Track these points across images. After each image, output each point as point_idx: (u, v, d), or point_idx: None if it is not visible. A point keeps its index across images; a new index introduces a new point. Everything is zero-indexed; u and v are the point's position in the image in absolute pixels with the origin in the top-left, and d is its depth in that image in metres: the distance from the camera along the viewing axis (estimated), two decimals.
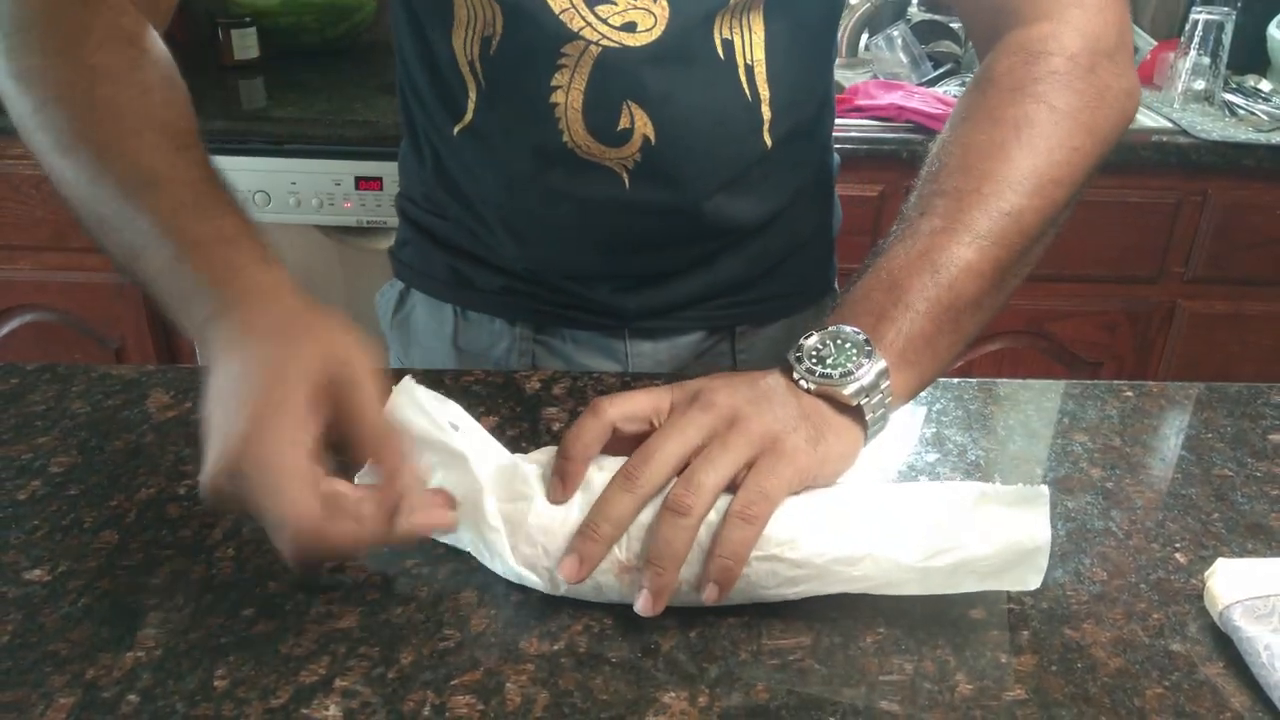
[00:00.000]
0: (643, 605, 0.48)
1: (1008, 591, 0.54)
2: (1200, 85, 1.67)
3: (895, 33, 1.80)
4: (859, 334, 0.53)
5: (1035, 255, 0.60)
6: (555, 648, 0.49)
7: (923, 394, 0.73)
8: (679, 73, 0.69)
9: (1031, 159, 0.58)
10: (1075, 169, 0.60)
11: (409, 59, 0.77)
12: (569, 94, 0.69)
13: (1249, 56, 1.79)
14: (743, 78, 0.71)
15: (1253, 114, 1.64)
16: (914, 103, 1.56)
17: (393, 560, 0.54)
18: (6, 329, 1.70)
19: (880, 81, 1.68)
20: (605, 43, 0.67)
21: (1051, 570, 0.55)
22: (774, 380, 0.54)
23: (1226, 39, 1.64)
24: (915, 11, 1.99)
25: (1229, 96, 1.68)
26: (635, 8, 0.66)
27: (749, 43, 0.70)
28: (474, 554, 0.53)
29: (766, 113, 0.73)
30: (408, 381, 0.53)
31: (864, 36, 1.95)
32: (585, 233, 0.77)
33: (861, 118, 1.58)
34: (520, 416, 0.68)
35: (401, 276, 0.89)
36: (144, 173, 0.54)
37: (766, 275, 0.83)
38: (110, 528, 0.57)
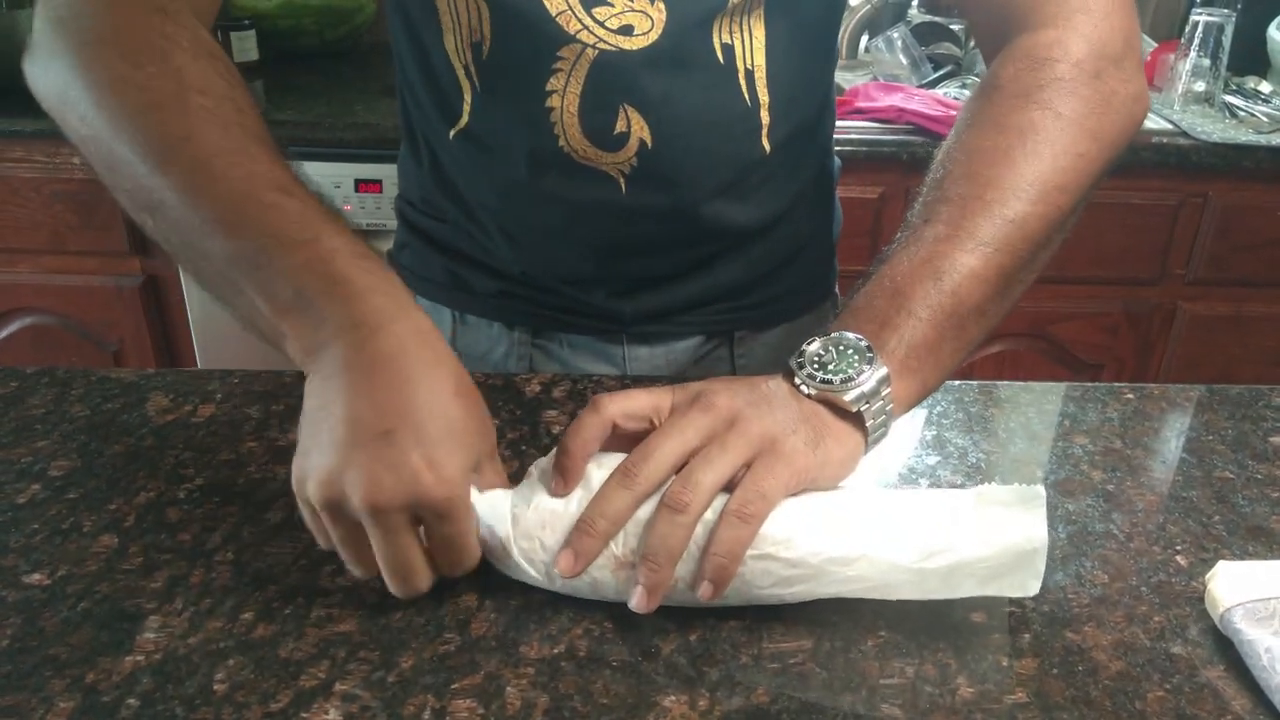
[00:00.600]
0: (637, 602, 0.48)
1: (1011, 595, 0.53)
2: (1200, 87, 1.67)
3: (895, 35, 1.80)
4: (861, 340, 0.53)
5: (1041, 261, 0.60)
6: (555, 651, 0.49)
7: None
8: (677, 76, 0.69)
9: (1036, 165, 0.58)
10: (1081, 175, 0.60)
11: (406, 62, 0.77)
12: (565, 98, 0.69)
13: (1249, 58, 1.79)
14: (742, 82, 0.71)
15: (1253, 116, 1.64)
16: (914, 105, 1.56)
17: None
18: (5, 332, 1.70)
19: (880, 83, 1.68)
20: (602, 46, 0.67)
21: (1052, 573, 0.55)
22: (775, 385, 0.54)
23: (1226, 41, 1.64)
24: (915, 13, 1.99)
25: (1229, 98, 1.68)
26: (632, 10, 0.66)
27: (749, 47, 0.70)
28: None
29: (765, 117, 0.73)
30: None
31: (864, 38, 1.96)
32: (582, 237, 0.76)
33: (861, 120, 1.58)
34: (520, 420, 0.68)
35: (400, 279, 0.88)
36: (270, 181, 0.53)
37: (766, 280, 0.83)
38: (109, 531, 0.57)
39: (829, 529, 0.50)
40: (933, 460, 0.66)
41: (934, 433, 0.69)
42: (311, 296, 0.49)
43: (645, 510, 0.50)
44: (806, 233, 0.85)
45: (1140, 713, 0.46)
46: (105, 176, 0.56)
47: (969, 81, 1.74)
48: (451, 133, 0.75)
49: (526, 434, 0.67)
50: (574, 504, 0.50)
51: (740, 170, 0.75)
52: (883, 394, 0.52)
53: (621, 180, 0.72)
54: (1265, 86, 1.76)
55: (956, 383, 0.75)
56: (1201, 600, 0.53)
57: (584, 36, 0.67)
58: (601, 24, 0.66)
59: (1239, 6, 1.66)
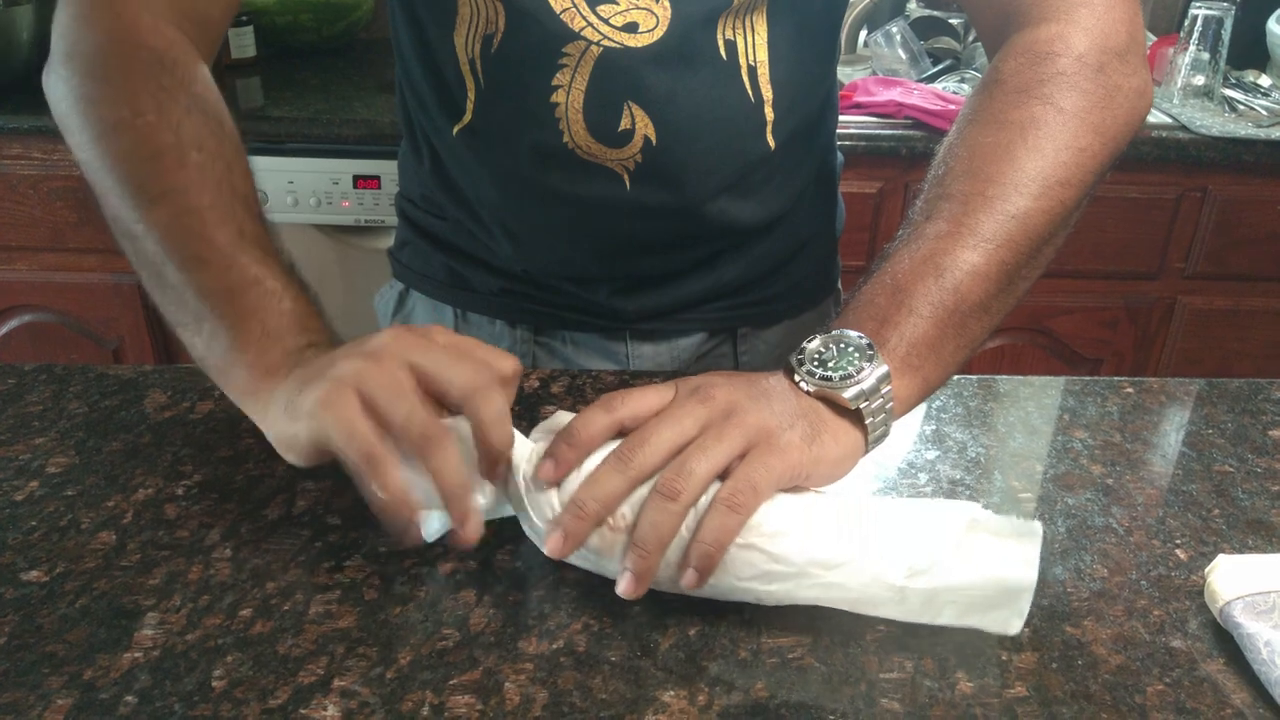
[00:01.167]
0: (625, 587, 0.48)
1: None
2: (1200, 81, 1.66)
3: (894, 29, 1.79)
4: (862, 338, 0.53)
5: (1045, 257, 0.60)
6: (554, 647, 0.49)
7: None
8: (681, 73, 0.69)
9: (1038, 161, 0.58)
10: (1083, 170, 0.59)
11: (408, 58, 0.77)
12: (569, 94, 0.69)
13: (1248, 52, 1.78)
14: (745, 79, 0.71)
15: (1252, 109, 1.63)
16: (913, 99, 1.55)
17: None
18: (4, 329, 1.70)
19: (879, 78, 1.68)
20: (606, 43, 0.67)
21: (1051, 567, 0.55)
22: (775, 380, 0.54)
23: (1226, 34, 1.64)
24: (914, 7, 1.99)
25: (1228, 92, 1.68)
26: (637, 8, 0.66)
27: (752, 44, 0.69)
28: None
29: (770, 114, 0.73)
30: None
31: (863, 33, 1.95)
32: (585, 234, 0.76)
33: (860, 114, 1.58)
34: (519, 415, 0.68)
35: (401, 277, 0.88)
36: (252, 239, 0.57)
37: (769, 276, 0.82)
38: (107, 528, 0.57)
39: (817, 530, 0.49)
40: (932, 455, 0.66)
41: (933, 427, 0.69)
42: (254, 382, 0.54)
43: (641, 489, 0.50)
44: (809, 229, 0.85)
45: (1140, 706, 0.46)
46: (94, 194, 0.61)
47: (968, 76, 1.73)
48: (454, 129, 0.75)
49: (524, 429, 0.66)
50: (573, 482, 0.51)
51: (745, 167, 0.74)
52: (882, 392, 0.52)
53: (626, 177, 0.72)
54: (1265, 80, 1.76)
55: (955, 377, 0.75)
56: (1201, 594, 0.53)
57: (589, 34, 0.66)
58: (606, 21, 0.66)
59: (1238, 0, 1.66)
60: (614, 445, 0.51)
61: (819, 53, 0.76)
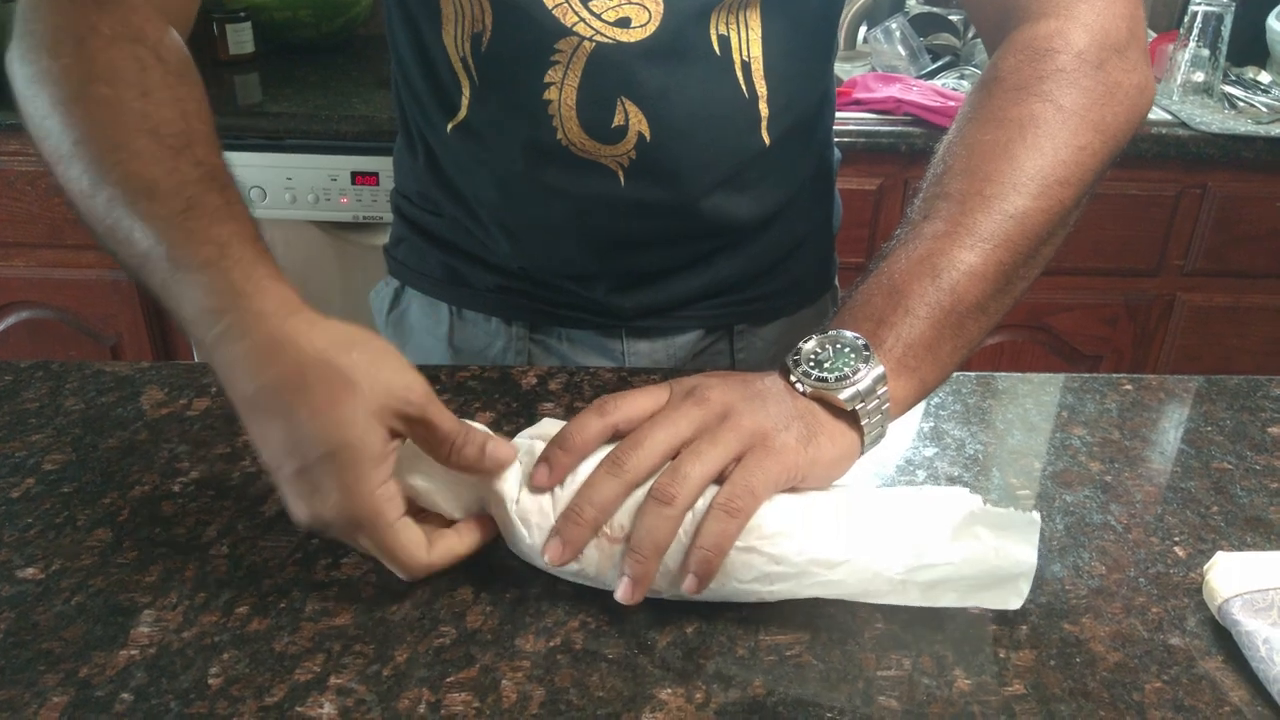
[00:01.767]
0: (622, 593, 0.48)
1: None
2: (1199, 77, 1.66)
3: (893, 25, 1.79)
4: (858, 339, 0.53)
5: (1044, 256, 0.59)
6: (551, 644, 0.49)
7: None
8: (674, 69, 0.68)
9: (1037, 159, 0.57)
10: (1083, 168, 0.59)
11: (403, 55, 0.77)
12: (562, 90, 0.68)
13: (1248, 48, 1.78)
14: (739, 74, 0.70)
15: (1252, 106, 1.63)
16: (912, 95, 1.55)
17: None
18: (2, 326, 1.70)
19: (878, 74, 1.68)
20: (599, 39, 0.66)
21: (1050, 565, 0.55)
22: (771, 381, 0.53)
23: (1226, 31, 1.64)
24: (913, 4, 1.99)
25: (1228, 89, 1.68)
26: (629, 3, 0.66)
27: (745, 39, 0.69)
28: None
29: (764, 109, 0.73)
30: None
31: (862, 29, 1.95)
32: (581, 231, 0.76)
33: (859, 111, 1.58)
34: (516, 412, 0.68)
35: (396, 274, 0.88)
36: (138, 181, 0.52)
37: (766, 274, 0.82)
38: (104, 525, 0.56)
39: (817, 529, 0.49)
40: (930, 452, 0.65)
41: (932, 424, 0.69)
42: (187, 309, 0.51)
43: (637, 493, 0.50)
44: (806, 226, 0.84)
45: (1138, 704, 0.46)
46: (46, 161, 0.57)
47: (967, 72, 1.73)
48: (449, 126, 0.75)
49: (522, 426, 0.66)
50: (566, 493, 0.50)
51: (740, 163, 0.74)
52: (878, 393, 0.52)
53: (620, 174, 0.72)
54: (1264, 77, 1.76)
55: (954, 374, 0.75)
56: (1199, 591, 0.53)
57: (581, 29, 0.66)
58: (599, 16, 0.66)
59: None
60: (608, 450, 0.51)
61: (815, 49, 0.76)
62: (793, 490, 0.51)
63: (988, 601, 0.50)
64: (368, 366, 0.49)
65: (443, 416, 0.50)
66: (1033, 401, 0.72)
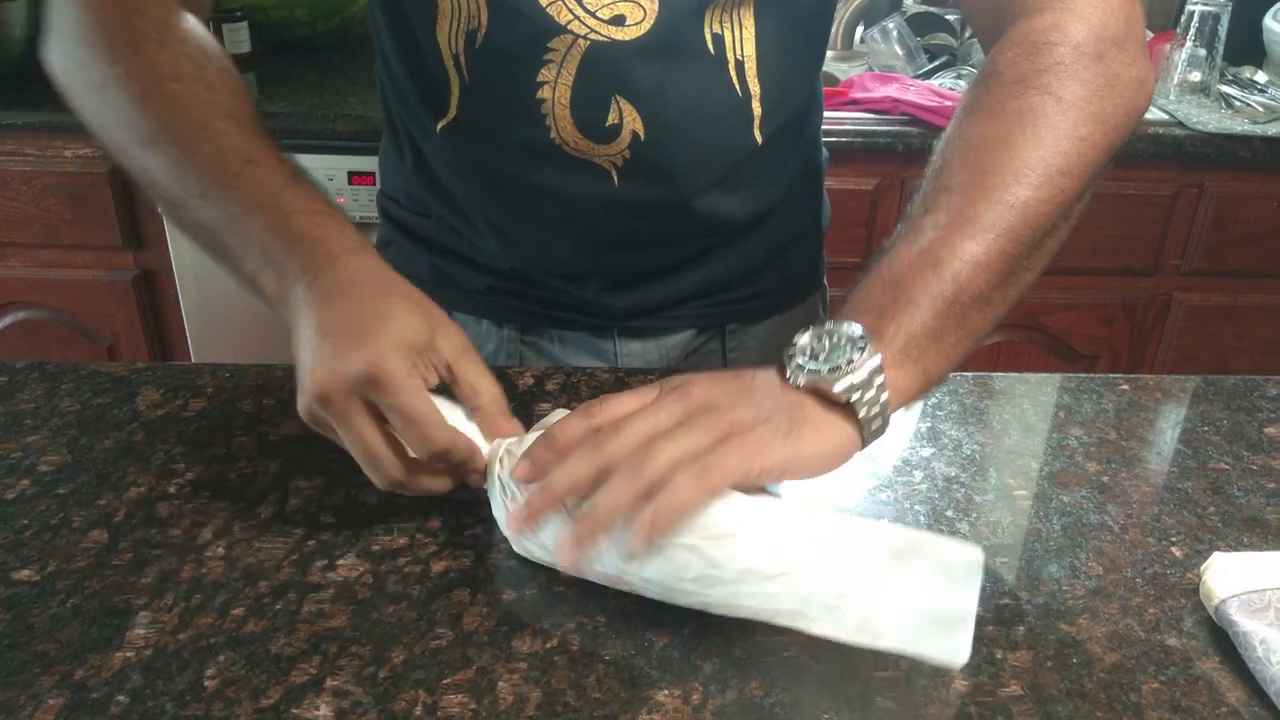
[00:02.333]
0: (561, 552, 0.48)
1: (1004, 588, 0.53)
2: (1196, 77, 1.66)
3: (890, 25, 1.79)
4: (854, 329, 0.52)
5: (1048, 250, 0.59)
6: (548, 646, 0.49)
7: None
8: (669, 67, 0.68)
9: (1037, 151, 0.57)
10: (1084, 159, 0.59)
11: (389, 54, 0.76)
12: (556, 89, 0.68)
13: (1245, 48, 1.78)
14: (733, 73, 0.70)
15: (1249, 106, 1.63)
16: (909, 95, 1.55)
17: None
18: None
19: (875, 74, 1.68)
20: (594, 37, 0.66)
21: (1046, 565, 0.55)
22: (764, 376, 0.53)
23: (1222, 30, 1.64)
24: (910, 3, 1.99)
25: (1225, 88, 1.68)
26: (624, 0, 0.66)
27: (739, 37, 0.69)
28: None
29: (757, 108, 0.73)
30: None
31: (859, 29, 1.95)
32: (573, 231, 0.76)
33: (856, 111, 1.58)
34: (513, 413, 0.68)
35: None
36: (236, 154, 0.60)
37: (757, 273, 0.82)
38: (99, 527, 0.56)
39: (760, 540, 0.48)
40: (927, 452, 0.65)
41: (929, 424, 0.69)
42: (274, 256, 0.57)
43: None
44: (796, 225, 0.84)
45: (1135, 705, 0.46)
46: (116, 159, 0.64)
47: (965, 72, 1.73)
48: (439, 126, 0.74)
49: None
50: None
51: (733, 162, 0.74)
52: (876, 383, 0.51)
53: (614, 173, 0.72)
54: (1261, 76, 1.76)
55: (951, 374, 0.75)
56: (1196, 592, 0.53)
57: (575, 27, 0.66)
58: (593, 14, 0.66)
59: None
60: None
61: (808, 48, 0.76)
62: (758, 495, 0.50)
63: (931, 651, 0.46)
64: (415, 296, 0.58)
65: (466, 360, 0.56)
66: (1030, 401, 0.72)
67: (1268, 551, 0.57)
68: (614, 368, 0.79)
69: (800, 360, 0.52)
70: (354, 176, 1.55)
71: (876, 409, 0.52)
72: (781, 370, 0.53)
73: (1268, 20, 1.75)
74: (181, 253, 1.60)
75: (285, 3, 1.81)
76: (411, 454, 0.54)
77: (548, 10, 0.65)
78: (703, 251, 0.79)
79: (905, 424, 0.69)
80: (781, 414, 0.51)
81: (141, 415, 0.67)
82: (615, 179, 0.72)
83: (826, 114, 0.98)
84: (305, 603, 0.51)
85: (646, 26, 0.66)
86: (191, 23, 0.65)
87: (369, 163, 1.54)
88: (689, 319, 0.82)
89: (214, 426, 0.66)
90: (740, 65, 0.70)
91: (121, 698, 0.45)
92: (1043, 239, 0.57)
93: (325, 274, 0.56)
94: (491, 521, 0.55)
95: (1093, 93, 0.60)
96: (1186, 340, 1.71)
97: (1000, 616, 0.51)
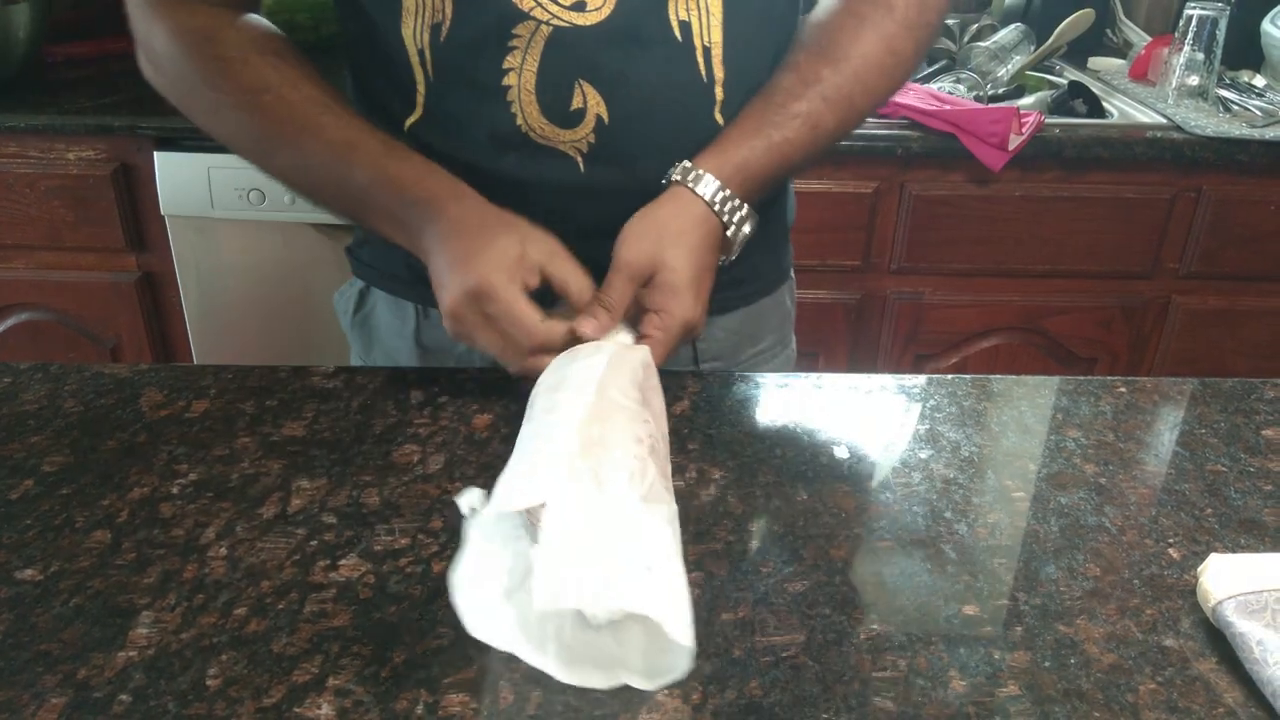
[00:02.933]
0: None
1: (1002, 589, 0.54)
2: (1194, 81, 1.67)
3: None
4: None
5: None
6: None
7: (917, 389, 0.73)
8: (631, 52, 0.70)
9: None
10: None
11: (356, 59, 0.78)
12: (521, 75, 0.70)
13: (1243, 52, 1.79)
14: (700, 59, 0.72)
15: (1247, 109, 1.64)
16: (908, 99, 1.55)
17: None
18: (1, 328, 1.70)
19: None
20: (555, 22, 0.68)
21: (1044, 566, 0.55)
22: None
23: (1220, 34, 1.64)
24: None
25: (1223, 92, 1.68)
26: None
27: (706, 25, 0.71)
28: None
29: (720, 93, 0.74)
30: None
31: None
32: (542, 220, 0.76)
33: None
34: (515, 415, 0.68)
35: (361, 275, 0.88)
36: (341, 145, 0.70)
37: (722, 265, 0.83)
38: (102, 527, 0.57)
39: (599, 370, 0.58)
40: (925, 454, 0.66)
41: (927, 427, 0.69)
42: (400, 220, 0.70)
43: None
44: (761, 216, 0.85)
45: (1132, 705, 0.46)
46: (255, 166, 0.75)
47: (963, 76, 1.73)
48: (407, 123, 0.75)
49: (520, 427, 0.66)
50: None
51: (695, 147, 0.75)
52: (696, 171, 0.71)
53: (579, 159, 0.73)
54: (1259, 80, 1.76)
55: (949, 377, 0.75)
56: (1194, 593, 0.53)
57: (537, 13, 0.68)
58: (554, 0, 0.67)
59: (1233, 0, 1.66)
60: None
61: (778, 35, 0.78)
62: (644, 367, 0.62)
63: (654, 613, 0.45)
64: (518, 224, 0.68)
65: (561, 271, 0.67)
66: (1028, 404, 0.72)
67: (1264, 553, 0.57)
68: None
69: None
70: None
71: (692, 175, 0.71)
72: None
73: (1266, 24, 1.76)
74: (184, 254, 1.60)
75: (287, 7, 1.81)
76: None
77: None
78: None
79: (905, 426, 0.69)
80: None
81: (144, 416, 0.67)
82: (581, 165, 0.74)
83: None
84: (307, 602, 0.51)
85: (607, 11, 0.68)
86: (254, 21, 0.75)
87: None
88: None
89: (216, 427, 0.66)
90: (708, 52, 0.72)
91: (124, 697, 0.45)
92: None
93: (439, 224, 0.67)
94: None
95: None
96: (1184, 343, 1.71)
97: (998, 617, 0.52)
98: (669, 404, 0.68)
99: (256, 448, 0.64)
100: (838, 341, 1.68)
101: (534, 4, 0.67)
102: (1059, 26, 1.78)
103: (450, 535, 0.56)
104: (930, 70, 1.77)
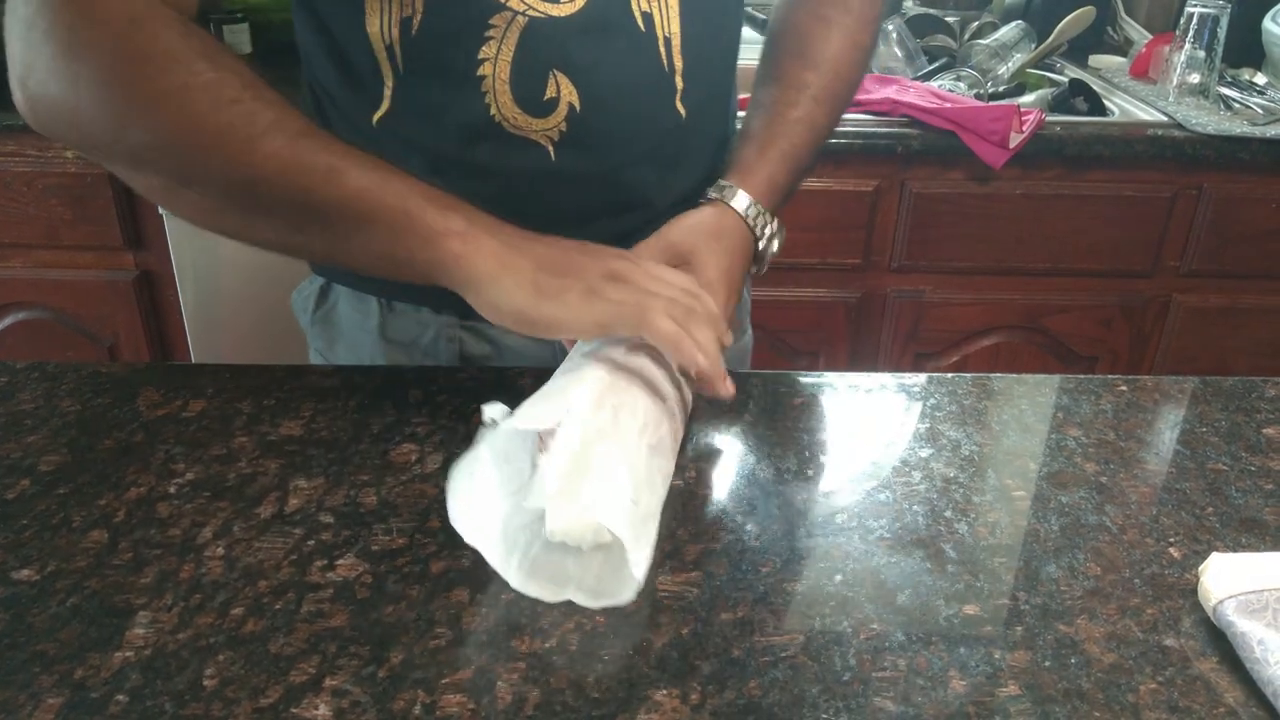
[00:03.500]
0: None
1: (1003, 588, 0.54)
2: (1195, 79, 1.66)
3: (890, 27, 1.79)
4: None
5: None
6: (547, 645, 0.49)
7: (917, 388, 0.73)
8: (603, 42, 0.71)
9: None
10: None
11: (314, 57, 0.77)
12: (497, 65, 0.70)
13: (1244, 50, 1.78)
14: (661, 49, 0.74)
15: (1248, 107, 1.63)
16: (909, 97, 1.55)
17: None
18: None
19: (875, 76, 1.68)
20: (531, 13, 0.69)
21: (1044, 565, 0.55)
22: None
23: (1222, 32, 1.64)
24: (910, 5, 1.99)
25: (1224, 90, 1.68)
26: None
27: (666, 16, 0.73)
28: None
29: (680, 83, 0.76)
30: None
31: None
32: (510, 210, 0.76)
33: (856, 112, 1.58)
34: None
35: (321, 271, 0.87)
36: (320, 167, 0.63)
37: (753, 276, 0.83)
38: (99, 527, 0.56)
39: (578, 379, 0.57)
40: (926, 453, 0.65)
41: (927, 425, 0.69)
42: (410, 262, 0.63)
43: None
44: None
45: (1133, 705, 0.46)
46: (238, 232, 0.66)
47: (964, 74, 1.73)
48: (375, 118, 0.75)
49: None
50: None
51: (659, 135, 0.77)
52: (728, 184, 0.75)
53: (551, 148, 0.74)
54: (1260, 78, 1.76)
55: (950, 375, 0.75)
56: (1194, 592, 0.53)
57: (513, 4, 0.68)
58: None
59: None
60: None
61: (728, 28, 0.81)
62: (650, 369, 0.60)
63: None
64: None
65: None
66: (1028, 403, 0.72)
67: (1265, 552, 0.57)
68: (553, 357, 0.79)
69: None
70: None
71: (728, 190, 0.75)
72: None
73: (1267, 22, 1.75)
74: (182, 253, 1.60)
75: (286, 4, 1.81)
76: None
77: None
78: (634, 230, 0.79)
79: (905, 425, 0.69)
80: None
81: (142, 415, 0.67)
82: (552, 153, 0.74)
83: None
84: (305, 602, 0.51)
85: (581, 3, 0.69)
86: (197, 37, 0.67)
87: None
88: None
89: (214, 427, 0.66)
90: (668, 42, 0.74)
91: (121, 697, 0.45)
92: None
93: (466, 263, 0.63)
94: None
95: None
96: (1185, 342, 1.71)
97: (998, 617, 0.51)
98: None
99: (254, 447, 0.64)
100: (838, 340, 1.68)
101: None
102: (1060, 24, 1.78)
103: (448, 535, 0.56)
104: (931, 68, 1.77)
